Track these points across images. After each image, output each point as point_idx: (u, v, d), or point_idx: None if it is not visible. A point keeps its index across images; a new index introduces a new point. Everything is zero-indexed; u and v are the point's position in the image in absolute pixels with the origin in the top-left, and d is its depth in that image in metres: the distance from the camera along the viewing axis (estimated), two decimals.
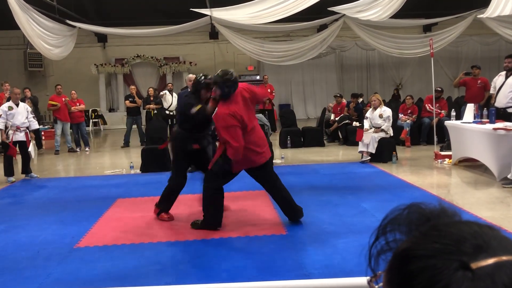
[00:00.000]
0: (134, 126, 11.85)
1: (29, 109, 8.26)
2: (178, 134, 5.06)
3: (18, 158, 8.10)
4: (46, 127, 14.30)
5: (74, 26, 13.46)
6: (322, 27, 15.10)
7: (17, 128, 7.76)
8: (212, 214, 4.63)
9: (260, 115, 9.06)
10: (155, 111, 11.81)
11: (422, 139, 10.37)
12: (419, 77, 17.57)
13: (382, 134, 8.33)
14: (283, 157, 9.07)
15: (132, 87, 12.63)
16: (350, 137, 10.32)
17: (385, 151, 8.25)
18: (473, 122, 7.39)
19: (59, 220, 5.28)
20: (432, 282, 0.49)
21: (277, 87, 15.58)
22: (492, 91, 8.37)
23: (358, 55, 18.37)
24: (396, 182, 6.77)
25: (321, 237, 4.37)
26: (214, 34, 16.48)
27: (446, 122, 8.32)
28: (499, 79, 8.03)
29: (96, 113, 16.55)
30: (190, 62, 17.11)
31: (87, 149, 11.37)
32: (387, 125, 8.37)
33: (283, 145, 10.65)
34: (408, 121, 10.38)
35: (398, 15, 11.73)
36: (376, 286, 0.60)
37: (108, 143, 13.43)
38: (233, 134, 4.34)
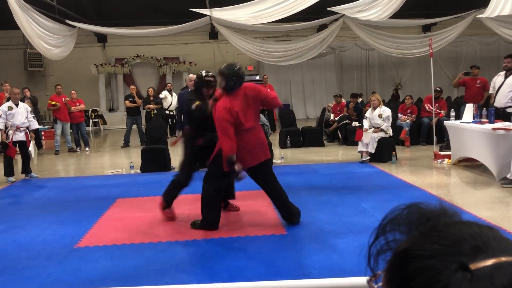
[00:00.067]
0: (134, 126, 11.84)
1: (29, 109, 8.26)
2: (189, 133, 5.09)
3: (18, 158, 8.10)
4: (46, 127, 14.29)
5: (74, 26, 13.45)
6: (322, 27, 15.10)
7: (17, 128, 7.76)
8: (211, 215, 4.64)
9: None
10: (155, 111, 11.82)
11: (421, 139, 10.37)
12: (418, 77, 17.57)
13: (382, 134, 8.33)
14: (283, 157, 9.07)
15: (132, 87, 12.62)
16: (350, 137, 10.32)
17: (384, 151, 8.25)
18: (473, 122, 7.40)
19: (59, 220, 5.28)
20: (431, 283, 0.49)
21: (277, 87, 15.55)
22: (491, 91, 8.35)
23: (358, 55, 18.35)
24: (396, 182, 6.77)
25: (321, 237, 4.38)
26: (214, 34, 16.47)
27: (446, 122, 8.32)
28: (498, 79, 8.02)
29: (96, 113, 16.53)
30: (190, 62, 17.11)
31: (87, 149, 11.36)
32: (386, 125, 8.37)
33: (282, 145, 10.65)
34: (407, 121, 10.38)
35: (397, 15, 11.72)
36: (376, 286, 0.60)
37: (108, 143, 13.42)
38: (224, 127, 4.35)
